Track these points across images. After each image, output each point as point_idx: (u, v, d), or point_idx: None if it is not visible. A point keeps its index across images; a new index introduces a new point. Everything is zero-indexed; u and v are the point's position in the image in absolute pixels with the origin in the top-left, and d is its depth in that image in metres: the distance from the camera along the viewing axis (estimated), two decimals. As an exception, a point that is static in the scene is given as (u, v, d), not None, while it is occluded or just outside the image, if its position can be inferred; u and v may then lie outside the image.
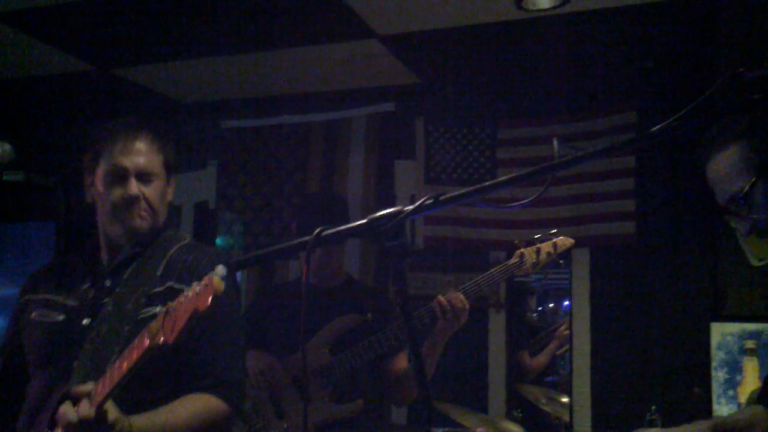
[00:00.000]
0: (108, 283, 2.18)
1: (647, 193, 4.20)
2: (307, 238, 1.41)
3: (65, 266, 2.32)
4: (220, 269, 1.62)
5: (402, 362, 3.08)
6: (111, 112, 5.22)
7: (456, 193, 1.49)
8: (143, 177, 2.19)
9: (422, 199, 1.46)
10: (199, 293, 1.61)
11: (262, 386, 2.98)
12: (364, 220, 1.45)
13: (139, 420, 1.91)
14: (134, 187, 2.17)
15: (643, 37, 3.96)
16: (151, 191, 2.21)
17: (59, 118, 5.35)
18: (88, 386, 1.82)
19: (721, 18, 3.49)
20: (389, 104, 4.76)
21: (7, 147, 1.93)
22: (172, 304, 1.69)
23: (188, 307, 1.62)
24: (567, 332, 5.50)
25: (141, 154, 2.20)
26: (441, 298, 2.80)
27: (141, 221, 2.20)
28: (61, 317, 2.15)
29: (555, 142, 1.63)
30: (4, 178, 5.09)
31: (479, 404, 4.32)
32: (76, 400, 1.83)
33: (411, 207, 1.45)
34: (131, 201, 2.17)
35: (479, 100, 4.65)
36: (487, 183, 1.48)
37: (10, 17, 3.86)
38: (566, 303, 7.94)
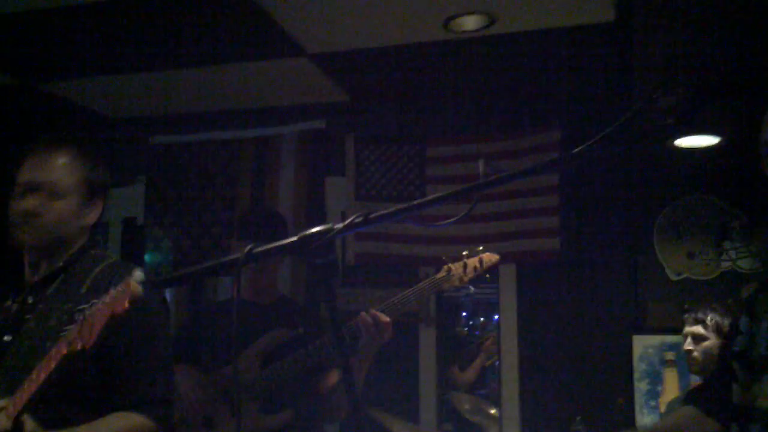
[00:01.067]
0: (30, 299, 2.16)
1: (571, 209, 4.32)
2: (237, 255, 1.43)
3: None
4: (138, 274, 1.61)
5: (333, 378, 3.10)
6: (36, 128, 5.13)
7: (385, 211, 1.53)
8: (34, 190, 2.14)
9: (352, 218, 1.49)
10: (116, 297, 1.61)
11: (192, 399, 2.97)
12: (295, 238, 1.47)
13: None
14: (22, 201, 2.14)
15: (566, 58, 4.08)
16: (39, 204, 2.14)
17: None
18: (4, 400, 1.80)
19: (637, 43, 3.63)
20: (320, 121, 4.80)
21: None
22: (89, 311, 1.68)
23: (105, 312, 1.61)
24: (494, 345, 5.62)
25: (40, 167, 2.15)
26: (364, 314, 2.83)
27: (25, 235, 2.16)
28: None
29: (480, 163, 1.68)
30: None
31: (411, 417, 4.37)
32: None
33: (341, 225, 1.48)
34: (20, 215, 2.14)
35: (408, 118, 4.73)
36: (415, 201, 1.52)
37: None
38: (497, 317, 8.09)
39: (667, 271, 4.17)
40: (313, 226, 1.48)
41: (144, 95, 4.72)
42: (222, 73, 4.32)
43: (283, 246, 1.49)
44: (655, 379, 4.09)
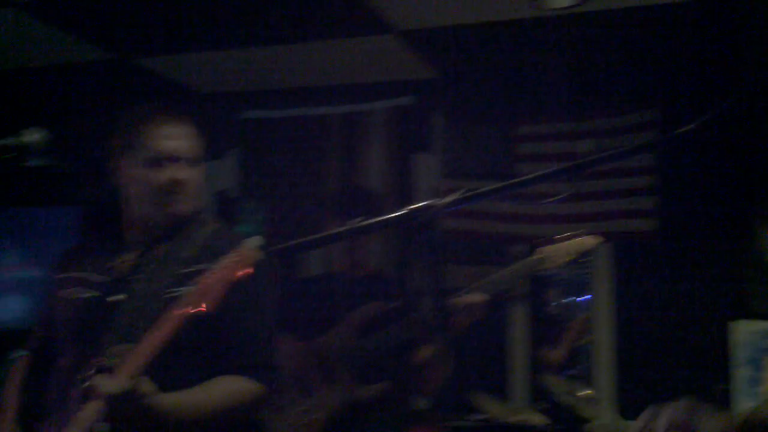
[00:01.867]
0: (139, 261, 2.19)
1: (670, 189, 4.18)
2: (346, 227, 1.42)
3: (95, 246, 2.33)
4: (256, 240, 1.62)
5: (427, 352, 3.11)
6: (131, 101, 5.23)
7: (491, 186, 1.50)
8: (185, 162, 2.19)
9: (458, 193, 1.46)
10: (235, 262, 1.62)
11: (288, 368, 3.02)
12: (403, 211, 1.46)
13: (171, 397, 1.91)
14: (178, 171, 2.16)
15: (665, 34, 3.94)
16: (194, 176, 2.21)
17: (82, 105, 5.38)
18: (122, 359, 1.83)
19: (746, 16, 3.46)
20: (408, 98, 4.76)
21: (40, 134, 1.93)
22: (207, 274, 1.69)
23: (226, 275, 1.62)
24: (584, 325, 5.51)
25: (183, 139, 2.19)
26: (460, 295, 2.82)
27: (182, 205, 2.19)
28: (90, 294, 2.17)
29: (586, 141, 1.63)
30: (30, 164, 5.13)
31: (502, 396, 4.34)
32: (109, 373, 1.84)
33: (446, 200, 1.45)
34: (175, 185, 2.16)
35: (498, 95, 4.64)
36: (523, 177, 1.49)
37: (33, 7, 3.87)
38: (583, 297, 7.96)
39: (770, 254, 4.00)
40: (401, 204, 1.46)
41: (234, 71, 4.76)
42: (312, 50, 4.33)
43: (389, 219, 1.47)
44: (758, 365, 3.93)
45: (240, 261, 1.62)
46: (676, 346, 4.12)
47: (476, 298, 2.82)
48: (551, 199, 1.61)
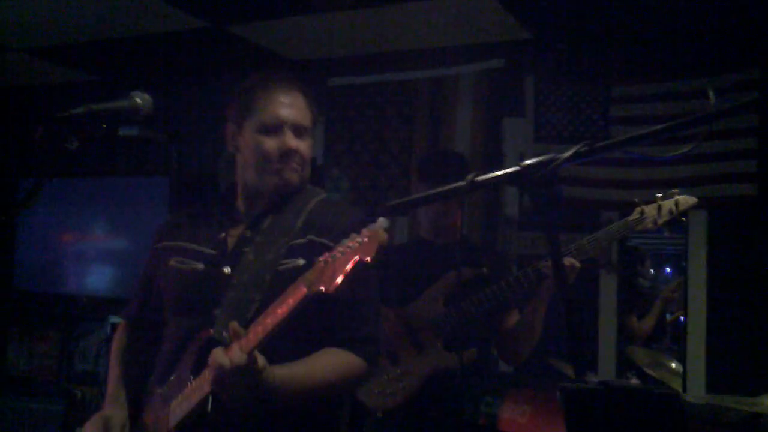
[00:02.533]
0: (248, 233, 2.20)
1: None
2: (461, 183, 1.40)
3: (198, 215, 2.35)
4: (383, 221, 1.61)
5: (514, 320, 3.09)
6: (222, 69, 5.31)
7: (611, 141, 1.45)
8: (298, 131, 2.19)
9: (578, 146, 1.42)
10: (363, 243, 1.61)
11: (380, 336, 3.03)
12: (517, 167, 1.42)
13: (281, 370, 1.92)
14: (292, 139, 2.17)
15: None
16: (305, 145, 2.21)
17: (172, 74, 5.46)
18: (238, 333, 1.84)
19: None
20: (498, 60, 4.67)
21: (147, 98, 1.95)
22: (332, 254, 1.68)
23: (351, 257, 1.61)
24: (673, 296, 5.38)
25: (298, 108, 2.20)
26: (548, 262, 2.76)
27: (294, 174, 2.20)
28: (200, 265, 2.18)
29: (711, 93, 1.56)
30: (120, 133, 5.27)
31: (590, 366, 4.27)
32: (226, 346, 1.85)
33: (566, 154, 1.41)
34: (288, 154, 2.17)
35: (592, 56, 4.51)
36: (643, 132, 1.43)
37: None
38: (668, 269, 7.79)
39: None
40: (490, 169, 1.42)
41: (322, 37, 4.76)
42: (399, 13, 4.28)
43: (506, 175, 1.44)
44: None
45: (368, 244, 1.61)
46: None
47: (571, 261, 2.77)
48: (664, 156, 1.54)
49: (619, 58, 4.45)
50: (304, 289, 1.72)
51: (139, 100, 1.94)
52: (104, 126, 1.89)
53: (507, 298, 2.88)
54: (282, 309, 1.77)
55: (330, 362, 2.08)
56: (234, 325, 1.85)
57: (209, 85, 5.47)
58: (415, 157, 4.76)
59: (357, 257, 1.62)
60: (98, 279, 5.59)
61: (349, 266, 1.62)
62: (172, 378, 2.11)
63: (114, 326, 2.47)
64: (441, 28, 4.50)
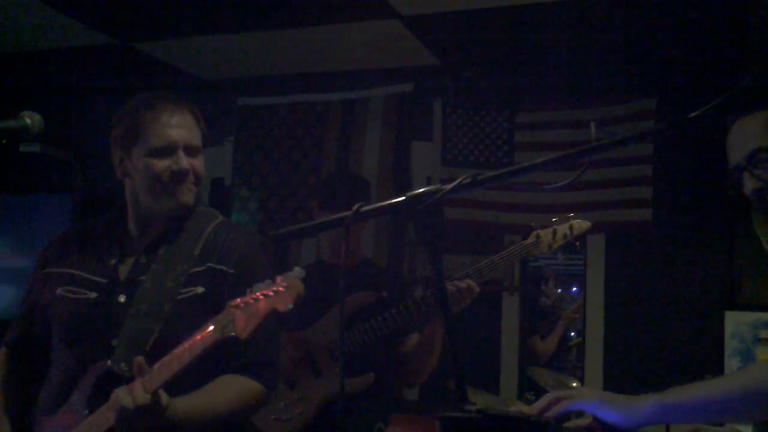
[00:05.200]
0: (143, 259, 2.14)
1: (664, 180, 4.18)
2: (346, 213, 1.41)
3: (85, 239, 2.25)
4: (299, 271, 1.61)
5: (413, 343, 3.10)
6: (129, 87, 5.20)
7: (495, 172, 1.49)
8: (190, 150, 2.15)
9: (461, 179, 1.45)
10: (280, 294, 1.59)
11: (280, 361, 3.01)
12: (403, 197, 1.45)
13: (184, 404, 1.90)
14: (185, 160, 2.12)
15: (665, 25, 3.93)
16: (198, 164, 2.17)
17: (77, 90, 5.35)
18: (145, 369, 1.81)
19: (749, 7, 3.45)
20: (407, 85, 4.74)
21: (37, 117, 1.91)
22: (245, 300, 1.66)
23: (267, 306, 1.60)
24: (576, 316, 5.52)
25: (187, 127, 2.15)
26: (455, 281, 2.80)
27: (190, 194, 2.16)
28: (92, 294, 2.10)
29: (592, 125, 1.62)
30: (21, 150, 5.12)
31: (491, 387, 4.34)
32: (125, 379, 1.83)
33: (450, 185, 1.44)
34: (182, 174, 2.12)
35: (498, 83, 4.64)
36: (527, 164, 1.47)
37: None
38: (574, 289, 7.97)
39: (765, 245, 3.99)
40: (398, 191, 1.45)
41: (233, 57, 4.75)
42: (311, 35, 4.31)
43: (391, 205, 1.47)
44: (748, 357, 3.95)
45: (285, 294, 1.60)
46: (669, 337, 4.13)
47: (468, 283, 2.80)
48: (550, 186, 1.60)
49: (524, 86, 4.58)
50: (216, 335, 1.70)
51: (29, 120, 1.89)
52: (3, 141, 1.84)
53: (405, 322, 2.89)
54: (189, 353, 1.75)
55: (231, 390, 2.05)
56: (139, 360, 1.82)
57: (117, 102, 5.35)
58: (318, 179, 4.77)
59: (272, 307, 1.61)
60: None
61: (263, 315, 1.61)
62: (63, 408, 2.05)
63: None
64: (352, 51, 4.54)
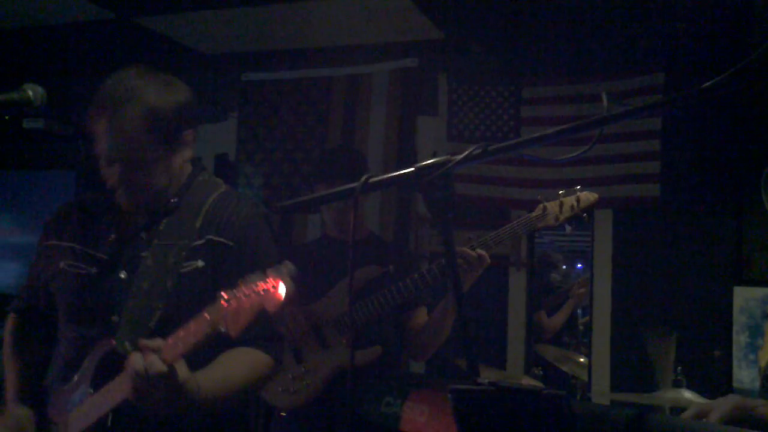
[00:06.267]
0: (143, 235, 2.11)
1: (673, 155, 4.14)
2: (354, 184, 1.39)
3: (87, 212, 2.22)
4: (290, 268, 1.58)
5: (421, 317, 3.09)
6: (132, 62, 5.17)
7: (505, 143, 1.46)
8: (112, 162, 2.06)
9: (471, 149, 1.42)
10: (269, 292, 1.58)
11: (284, 333, 3.00)
12: (412, 168, 1.42)
13: (203, 377, 1.88)
14: (106, 175, 2.07)
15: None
16: (121, 175, 2.06)
17: (80, 66, 5.31)
18: (157, 342, 1.78)
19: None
20: (412, 59, 4.70)
21: (39, 90, 1.88)
22: (236, 295, 1.64)
23: (255, 303, 1.59)
24: (582, 291, 5.50)
25: (101, 139, 2.06)
26: (460, 249, 2.77)
27: (128, 203, 2.11)
28: (93, 270, 2.09)
29: (604, 97, 1.59)
30: (24, 125, 5.09)
31: (498, 362, 4.33)
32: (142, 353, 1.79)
33: (460, 156, 1.41)
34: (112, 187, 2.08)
35: (504, 58, 4.59)
36: (536, 136, 1.44)
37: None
38: (579, 265, 7.97)
39: (775, 221, 3.97)
40: (403, 167, 1.42)
41: (237, 31, 4.70)
42: (316, 9, 4.26)
43: (400, 176, 1.44)
44: (756, 332, 3.93)
45: (273, 294, 1.58)
46: (677, 313, 4.11)
47: (479, 253, 2.77)
48: (561, 159, 1.57)
49: (529, 60, 4.53)
50: (207, 329, 1.69)
51: (31, 93, 1.86)
52: (6, 117, 1.80)
53: (411, 295, 2.88)
54: (194, 335, 1.74)
55: (244, 363, 2.04)
56: (144, 343, 1.79)
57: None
58: (317, 154, 4.74)
59: (260, 306, 1.59)
60: (2, 275, 5.41)
61: (252, 314, 1.59)
62: (74, 379, 2.05)
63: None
64: (356, 26, 4.49)
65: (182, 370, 1.80)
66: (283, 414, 3.00)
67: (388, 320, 3.03)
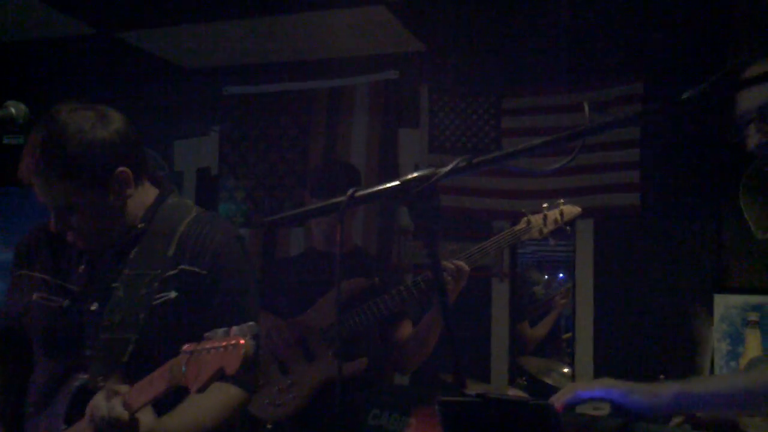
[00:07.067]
0: (114, 264, 2.05)
1: (652, 164, 4.18)
2: (341, 198, 1.39)
3: (56, 238, 2.11)
4: (252, 327, 1.56)
5: (406, 329, 3.11)
6: (112, 77, 5.17)
7: (489, 156, 1.48)
8: (60, 210, 2.01)
9: (456, 161, 1.44)
10: (229, 351, 1.55)
11: (268, 345, 3.00)
12: (397, 182, 1.43)
13: (170, 423, 1.86)
14: (53, 225, 2.02)
15: (651, 7, 3.93)
16: (66, 224, 2.02)
17: (60, 81, 5.28)
18: (123, 387, 1.77)
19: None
20: (393, 72, 4.72)
21: (22, 107, 1.88)
22: (198, 351, 1.62)
23: (215, 363, 1.56)
24: (564, 302, 5.53)
25: (41, 193, 2.00)
26: (444, 262, 2.79)
27: (88, 247, 2.06)
28: (65, 302, 2.05)
29: (586, 107, 1.61)
30: (4, 141, 5.05)
31: (482, 374, 4.34)
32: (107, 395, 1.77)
33: (445, 169, 1.42)
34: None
35: (484, 69, 4.61)
36: (520, 147, 1.46)
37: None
38: (561, 275, 8.00)
39: (753, 228, 4.01)
40: (385, 179, 1.43)
41: (218, 45, 4.71)
42: (296, 23, 4.28)
43: (385, 190, 1.45)
44: (737, 339, 3.96)
45: (233, 355, 1.55)
46: (659, 321, 4.13)
47: (456, 264, 2.80)
48: (544, 169, 1.59)
49: (509, 71, 4.56)
50: (169, 383, 1.66)
51: (13, 110, 1.88)
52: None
53: (397, 308, 2.91)
54: (154, 391, 1.71)
55: (217, 402, 2.00)
56: (109, 386, 1.78)
57: (101, 94, 5.30)
58: (311, 167, 4.74)
59: (220, 366, 1.57)
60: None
61: (211, 373, 1.57)
62: (49, 410, 2.02)
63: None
64: (337, 38, 4.51)
65: (147, 419, 1.77)
66: (269, 426, 3.00)
67: (373, 332, 3.04)
